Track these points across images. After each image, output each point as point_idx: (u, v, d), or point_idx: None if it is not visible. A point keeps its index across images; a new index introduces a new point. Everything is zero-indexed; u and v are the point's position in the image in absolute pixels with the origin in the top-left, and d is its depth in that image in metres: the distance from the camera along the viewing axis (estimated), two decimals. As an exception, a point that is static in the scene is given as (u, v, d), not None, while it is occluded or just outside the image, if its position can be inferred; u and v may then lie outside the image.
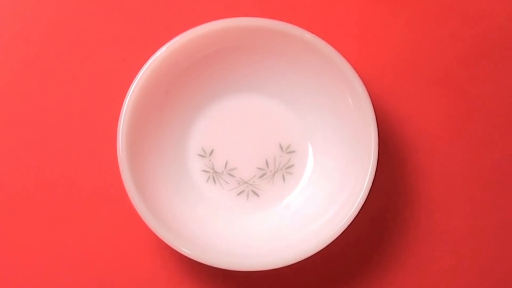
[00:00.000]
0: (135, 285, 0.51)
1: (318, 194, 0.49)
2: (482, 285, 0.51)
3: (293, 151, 0.50)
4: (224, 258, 0.46)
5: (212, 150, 0.50)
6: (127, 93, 0.47)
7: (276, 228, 0.49)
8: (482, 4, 0.52)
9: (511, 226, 0.51)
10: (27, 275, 0.51)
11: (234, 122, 0.50)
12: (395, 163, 0.51)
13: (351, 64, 0.47)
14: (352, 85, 0.46)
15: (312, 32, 0.47)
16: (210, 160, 0.50)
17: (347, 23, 0.52)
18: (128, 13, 0.52)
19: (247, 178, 0.50)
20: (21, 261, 0.51)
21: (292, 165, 0.50)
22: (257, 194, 0.50)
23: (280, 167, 0.50)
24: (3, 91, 0.52)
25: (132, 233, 0.51)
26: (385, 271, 0.51)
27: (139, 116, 0.47)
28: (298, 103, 0.50)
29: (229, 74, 0.49)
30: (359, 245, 0.51)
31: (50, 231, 0.51)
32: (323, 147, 0.49)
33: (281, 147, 0.50)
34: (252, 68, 0.49)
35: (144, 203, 0.46)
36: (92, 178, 0.51)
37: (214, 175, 0.50)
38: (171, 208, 0.48)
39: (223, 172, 0.50)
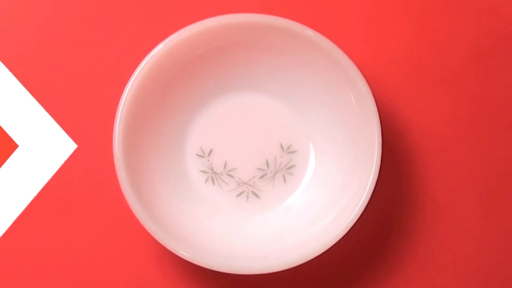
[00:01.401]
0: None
1: (320, 195, 0.49)
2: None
3: (294, 151, 0.50)
4: (223, 261, 0.46)
5: (211, 150, 0.50)
6: (123, 92, 0.47)
7: (276, 230, 0.49)
8: (488, 2, 0.52)
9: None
10: (24, 275, 0.51)
11: (233, 121, 0.50)
12: (399, 163, 0.51)
13: (354, 63, 0.47)
14: (355, 83, 0.47)
15: (315, 29, 0.47)
16: (209, 160, 0.50)
17: (350, 21, 0.52)
18: (123, 9, 0.52)
19: (247, 179, 0.50)
20: (18, 262, 0.51)
21: (293, 166, 0.50)
22: (257, 195, 0.50)
23: (280, 168, 0.50)
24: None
25: (129, 235, 0.51)
26: (391, 272, 0.51)
27: (136, 116, 0.47)
28: (299, 101, 0.50)
29: (228, 72, 0.49)
30: (362, 247, 0.51)
31: (45, 233, 0.51)
32: (325, 147, 0.50)
33: (282, 147, 0.50)
34: (252, 65, 0.49)
35: (141, 205, 0.46)
36: (88, 179, 0.52)
37: (213, 175, 0.50)
38: (168, 210, 0.48)
39: (222, 172, 0.50)
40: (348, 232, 0.47)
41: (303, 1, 0.52)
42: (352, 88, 0.47)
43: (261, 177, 0.50)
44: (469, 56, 0.52)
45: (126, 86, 0.47)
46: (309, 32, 0.47)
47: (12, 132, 0.52)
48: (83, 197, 0.51)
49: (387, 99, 0.52)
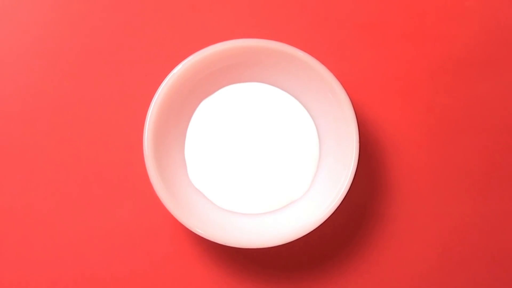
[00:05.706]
0: (154, 265, 0.52)
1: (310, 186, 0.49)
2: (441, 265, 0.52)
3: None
4: (229, 237, 0.47)
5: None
6: (151, 102, 0.47)
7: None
8: (440, 30, 0.53)
9: (476, 215, 0.52)
10: (60, 249, 0.52)
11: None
12: (371, 157, 0.52)
13: (338, 79, 0.47)
14: (336, 92, 0.47)
15: (304, 51, 0.48)
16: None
17: (336, 47, 0.53)
18: (149, 36, 0.53)
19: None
20: (58, 240, 0.52)
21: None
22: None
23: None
24: (49, 103, 0.52)
25: (155, 217, 0.51)
26: (368, 250, 0.52)
27: (161, 121, 0.48)
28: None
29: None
30: (340, 233, 0.52)
31: (80, 221, 0.52)
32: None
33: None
34: (253, 80, 0.49)
35: (166, 192, 0.47)
36: (120, 178, 0.52)
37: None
38: (187, 195, 0.48)
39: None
40: (332, 214, 0.48)
41: (294, 28, 0.53)
42: (334, 98, 0.48)
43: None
44: (430, 74, 0.53)
45: (154, 97, 0.48)
46: (300, 53, 0.48)
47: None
48: (116, 193, 0.52)
49: (363, 107, 0.52)
